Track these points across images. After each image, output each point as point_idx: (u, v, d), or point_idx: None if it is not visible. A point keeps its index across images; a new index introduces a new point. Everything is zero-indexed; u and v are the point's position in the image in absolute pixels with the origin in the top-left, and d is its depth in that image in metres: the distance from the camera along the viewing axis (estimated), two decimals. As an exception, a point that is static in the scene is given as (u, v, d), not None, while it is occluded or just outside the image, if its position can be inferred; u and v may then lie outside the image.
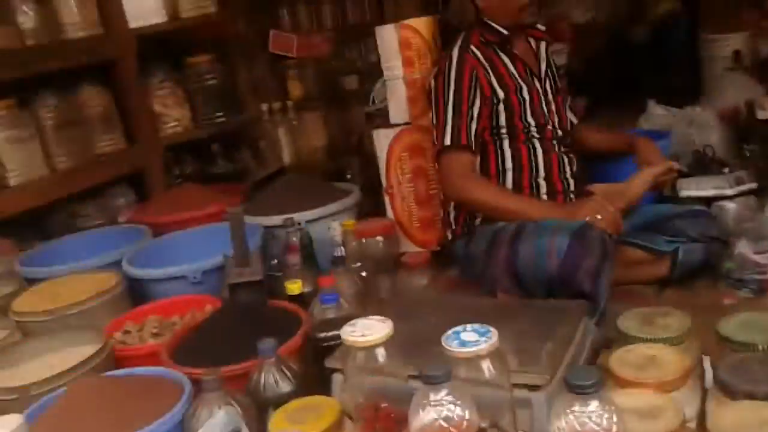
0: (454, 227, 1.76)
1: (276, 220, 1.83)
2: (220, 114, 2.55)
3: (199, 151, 2.57)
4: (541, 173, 1.70)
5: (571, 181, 1.73)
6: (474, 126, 1.65)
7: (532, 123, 1.70)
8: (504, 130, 1.70)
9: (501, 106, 1.68)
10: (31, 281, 1.72)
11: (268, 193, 2.09)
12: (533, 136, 1.71)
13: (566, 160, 1.74)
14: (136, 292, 1.69)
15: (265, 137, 2.51)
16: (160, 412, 1.09)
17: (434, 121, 1.71)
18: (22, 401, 1.18)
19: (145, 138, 2.40)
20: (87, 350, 1.32)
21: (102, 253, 1.79)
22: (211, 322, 1.40)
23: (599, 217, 1.50)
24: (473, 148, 1.65)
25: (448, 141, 1.65)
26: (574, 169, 1.75)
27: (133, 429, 1.05)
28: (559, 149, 1.74)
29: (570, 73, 2.57)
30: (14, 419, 0.54)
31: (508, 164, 1.70)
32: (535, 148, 1.71)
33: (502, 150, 1.71)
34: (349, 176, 2.33)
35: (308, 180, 2.15)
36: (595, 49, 3.12)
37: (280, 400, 1.10)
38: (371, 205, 2.13)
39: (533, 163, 1.70)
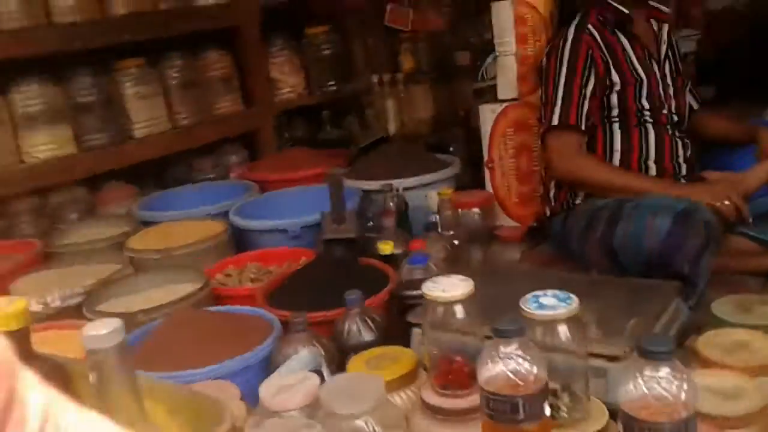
0: (553, 204, 1.74)
1: (375, 184, 1.87)
2: (332, 83, 2.62)
3: (309, 116, 2.66)
4: (652, 155, 1.65)
5: (684, 166, 1.67)
6: (586, 106, 1.61)
7: (647, 106, 1.64)
8: (615, 112, 1.65)
9: (615, 90, 1.63)
10: (147, 224, 1.86)
11: (370, 159, 2.14)
12: (646, 120, 1.65)
13: (680, 144, 1.67)
14: (240, 242, 1.79)
15: (374, 106, 2.56)
16: (250, 346, 1.16)
17: (543, 99, 1.69)
18: (128, 327, 1.28)
19: (260, 102, 2.51)
20: (190, 287, 1.42)
21: (213, 204, 1.91)
22: (305, 272, 1.47)
23: (720, 204, 1.45)
24: (583, 128, 1.62)
25: (555, 121, 1.62)
26: (688, 153, 1.68)
27: (224, 358, 1.13)
28: (673, 133, 1.68)
29: (700, 61, 2.44)
30: (115, 322, 0.61)
31: (617, 146, 1.66)
32: (647, 131, 1.65)
33: (611, 132, 1.66)
34: (451, 149, 2.33)
35: (410, 149, 2.18)
36: (731, 38, 2.94)
37: (361, 347, 1.15)
38: (471, 178, 2.13)
39: (643, 145, 1.64)
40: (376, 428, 0.92)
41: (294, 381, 1.01)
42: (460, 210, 1.85)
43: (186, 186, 2.20)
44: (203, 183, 2.26)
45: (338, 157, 2.29)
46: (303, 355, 1.08)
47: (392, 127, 2.49)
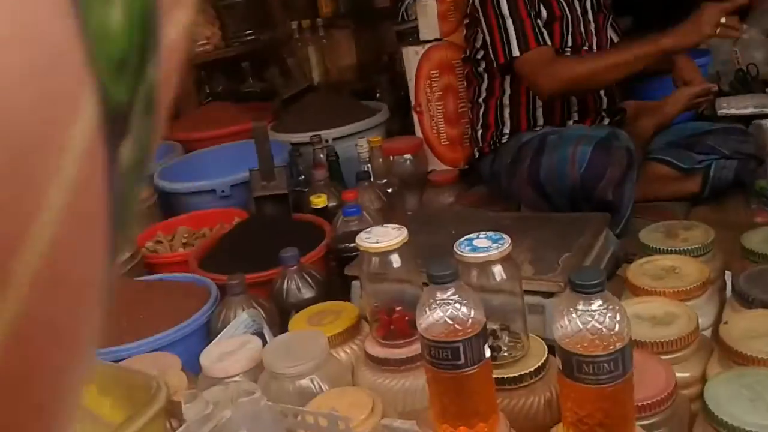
0: (481, 145, 1.74)
1: (303, 137, 1.84)
2: (250, 32, 2.53)
3: (229, 69, 2.57)
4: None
5: (605, 99, 1.69)
6: (540, 24, 1.56)
7: (569, 43, 1.64)
8: None
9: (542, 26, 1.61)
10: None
11: (296, 110, 2.10)
12: (567, 55, 1.66)
13: None
14: (167, 206, 1.73)
15: (295, 55, 2.49)
16: (187, 314, 1.14)
17: (487, 37, 1.61)
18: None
19: (176, 56, 2.40)
20: (119, 257, 1.37)
21: (135, 169, 1.83)
22: (238, 233, 1.44)
23: (723, 20, 1.43)
24: (548, 44, 1.56)
25: (516, 51, 1.55)
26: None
27: (161, 329, 1.10)
28: None
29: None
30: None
31: None
32: None
33: None
34: (378, 95, 2.31)
35: (336, 98, 2.15)
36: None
37: (302, 305, 1.13)
38: (400, 124, 2.11)
39: None
40: (322, 385, 0.92)
41: (235, 346, 1.00)
42: (391, 157, 1.84)
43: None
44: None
45: (262, 110, 2.23)
46: (243, 318, 1.07)
47: (316, 76, 2.43)
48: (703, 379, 0.86)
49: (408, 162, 1.87)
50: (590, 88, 1.60)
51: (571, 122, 1.64)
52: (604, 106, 1.68)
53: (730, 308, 0.96)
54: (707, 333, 0.96)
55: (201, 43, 2.49)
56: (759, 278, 0.95)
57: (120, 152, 0.13)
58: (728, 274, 1.12)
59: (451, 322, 0.74)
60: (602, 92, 1.68)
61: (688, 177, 1.57)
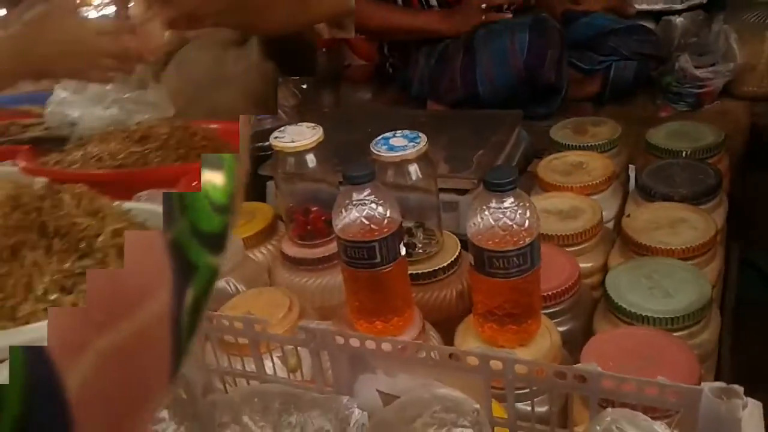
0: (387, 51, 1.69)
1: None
2: None
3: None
4: None
5: None
6: None
7: None
8: None
9: None
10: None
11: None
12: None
13: None
14: None
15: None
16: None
17: None
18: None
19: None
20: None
21: None
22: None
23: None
24: None
25: None
26: None
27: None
28: None
29: None
30: None
31: None
32: None
33: None
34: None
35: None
36: None
37: (216, 208, 1.11)
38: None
39: None
40: (238, 286, 0.91)
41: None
42: (305, 51, 1.78)
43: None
44: None
45: None
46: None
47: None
48: (605, 269, 0.91)
49: (323, 56, 1.82)
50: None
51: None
52: None
53: (633, 201, 1.00)
54: (610, 225, 1.01)
55: None
56: (661, 173, 1.00)
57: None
58: (632, 168, 1.17)
59: (367, 222, 0.74)
60: None
61: (589, 78, 1.58)
